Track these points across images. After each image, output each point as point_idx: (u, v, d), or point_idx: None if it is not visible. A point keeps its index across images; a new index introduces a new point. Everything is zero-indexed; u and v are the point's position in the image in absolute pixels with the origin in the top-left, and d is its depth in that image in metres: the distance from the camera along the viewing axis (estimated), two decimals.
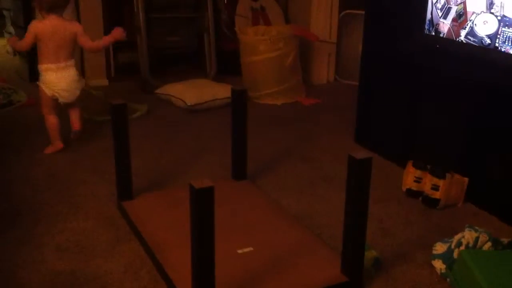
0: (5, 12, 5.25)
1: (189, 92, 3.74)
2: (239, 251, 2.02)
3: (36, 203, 2.47)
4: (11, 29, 5.02)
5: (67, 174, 2.78)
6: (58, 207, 2.44)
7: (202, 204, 1.55)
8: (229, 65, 4.37)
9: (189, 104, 3.67)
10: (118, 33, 2.98)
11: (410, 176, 2.55)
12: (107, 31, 4.11)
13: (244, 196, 2.51)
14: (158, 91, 3.94)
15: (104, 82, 4.30)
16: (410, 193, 2.55)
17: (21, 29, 4.44)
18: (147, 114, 3.66)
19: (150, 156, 3.00)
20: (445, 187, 2.41)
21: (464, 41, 2.48)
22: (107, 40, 3.06)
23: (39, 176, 2.75)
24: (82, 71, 4.25)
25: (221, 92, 3.73)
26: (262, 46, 3.94)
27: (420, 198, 2.51)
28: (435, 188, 2.43)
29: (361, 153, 1.74)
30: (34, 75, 4.22)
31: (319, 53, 4.45)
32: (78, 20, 4.07)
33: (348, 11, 4.41)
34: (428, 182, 2.47)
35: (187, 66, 4.60)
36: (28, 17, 4.18)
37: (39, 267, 1.99)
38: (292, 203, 2.52)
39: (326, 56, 4.49)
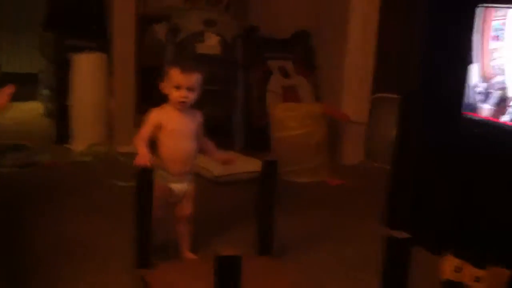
0: (39, 75, 5.35)
1: (217, 163, 3.68)
2: None
3: (53, 267, 2.37)
4: (45, 91, 5.09)
5: (86, 238, 2.69)
6: (75, 273, 2.33)
7: (228, 275, 1.44)
8: (257, 141, 4.33)
9: (216, 175, 3.61)
10: None
11: (449, 266, 2.40)
12: (139, 98, 4.20)
13: (270, 273, 2.38)
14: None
15: (131, 149, 4.26)
16: (449, 284, 2.40)
17: (53, 92, 4.51)
18: None
19: (171, 225, 2.90)
20: (487, 279, 2.26)
21: (504, 126, 2.40)
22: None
23: (57, 239, 2.66)
24: (110, 137, 4.26)
25: (249, 165, 3.66)
26: (291, 123, 3.91)
27: None
28: (477, 279, 2.28)
29: (399, 233, 1.63)
30: (61, 137, 4.28)
31: (349, 134, 4.40)
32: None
33: (380, 94, 4.39)
34: (468, 273, 2.32)
35: (215, 138, 4.56)
36: (62, 79, 4.24)
37: None
38: (317, 284, 2.40)
39: (355, 137, 4.43)
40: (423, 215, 2.86)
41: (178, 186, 2.43)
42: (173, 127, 2.37)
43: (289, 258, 2.61)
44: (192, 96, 2.35)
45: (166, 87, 2.36)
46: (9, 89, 2.33)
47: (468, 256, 2.37)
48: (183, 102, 2.35)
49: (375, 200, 3.41)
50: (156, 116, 2.38)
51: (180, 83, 2.32)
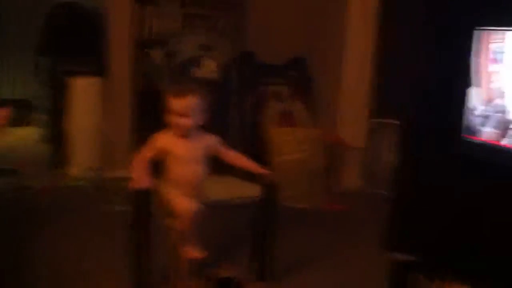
0: (34, 100, 5.32)
1: (216, 188, 3.65)
2: None
3: None
4: (40, 116, 5.06)
5: (75, 267, 2.63)
6: None
7: None
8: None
9: (213, 199, 3.56)
10: None
11: None
12: (135, 123, 4.17)
13: None
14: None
15: (126, 174, 4.21)
16: None
17: (49, 116, 4.48)
18: None
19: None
20: None
21: (504, 149, 2.38)
22: None
23: (45, 263, 2.61)
24: (105, 161, 4.21)
25: (246, 190, 3.63)
26: (287, 147, 3.89)
27: None
28: None
29: (402, 256, 1.61)
30: (57, 161, 4.24)
31: (346, 159, 4.38)
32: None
33: (378, 119, 4.38)
34: None
35: (211, 165, 4.54)
36: (57, 104, 4.21)
37: None
38: None
39: (353, 163, 4.41)
40: (423, 240, 2.82)
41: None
42: (178, 152, 2.32)
43: (286, 283, 2.56)
44: (187, 122, 2.28)
45: (167, 115, 2.31)
46: (4, 112, 2.31)
47: (467, 284, 2.33)
48: (179, 128, 2.29)
49: (373, 226, 3.38)
50: (159, 140, 2.34)
51: (173, 109, 2.28)
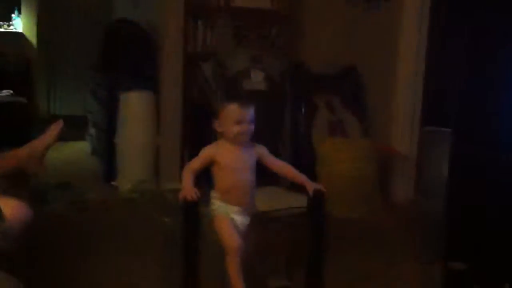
0: (88, 115, 5.45)
1: (261, 199, 3.62)
2: None
3: None
4: (92, 131, 5.17)
5: (134, 279, 2.67)
6: None
7: None
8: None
9: (260, 211, 3.53)
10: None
11: None
12: (186, 136, 4.22)
13: None
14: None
15: (177, 186, 4.25)
16: None
17: (101, 131, 4.57)
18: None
19: (216, 259, 2.84)
20: None
21: None
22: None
23: (104, 279, 2.64)
24: (156, 174, 4.26)
25: (295, 201, 3.59)
26: (339, 156, 3.84)
27: None
28: None
29: (458, 265, 1.54)
30: (108, 175, 4.32)
31: (399, 169, 4.29)
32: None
33: (430, 127, 4.27)
34: None
35: (260, 175, 4.52)
36: (110, 118, 4.30)
37: None
38: None
39: (406, 173, 4.31)
40: (477, 251, 2.72)
41: (240, 219, 2.38)
42: (227, 162, 2.34)
43: None
44: (253, 128, 2.36)
45: (222, 125, 2.35)
46: (57, 126, 2.36)
47: None
48: (246, 135, 2.35)
49: (426, 238, 3.29)
50: (210, 151, 2.37)
51: (240, 118, 2.32)
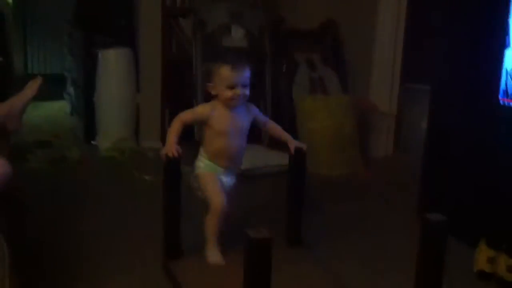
0: (66, 73, 5.37)
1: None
2: None
3: (79, 259, 2.36)
4: (71, 90, 5.11)
5: (114, 231, 2.68)
6: (102, 265, 2.32)
7: (259, 256, 1.39)
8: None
9: (242, 168, 3.55)
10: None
11: (482, 256, 2.32)
12: (166, 94, 4.19)
13: (299, 264, 2.34)
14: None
15: (158, 144, 4.25)
16: (483, 275, 2.32)
17: (80, 89, 4.52)
18: None
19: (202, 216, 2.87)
20: None
21: None
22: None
23: (86, 232, 2.66)
24: (136, 132, 4.25)
25: (276, 158, 3.62)
26: (320, 114, 3.85)
27: (494, 281, 2.27)
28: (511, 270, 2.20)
29: (435, 216, 1.58)
30: (88, 134, 4.30)
31: (378, 125, 4.32)
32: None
33: (409, 84, 4.30)
34: (503, 263, 2.24)
35: None
36: (89, 76, 4.25)
37: None
38: (350, 275, 2.34)
39: (385, 129, 4.35)
40: (457, 206, 2.78)
41: (226, 179, 2.34)
42: (221, 127, 2.26)
43: (319, 248, 2.57)
44: (246, 92, 2.24)
45: (216, 87, 2.25)
46: (37, 81, 2.33)
47: (503, 246, 2.29)
48: (239, 99, 2.24)
49: (406, 191, 3.35)
50: (204, 111, 2.29)
51: (233, 83, 2.21)
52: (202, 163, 2.33)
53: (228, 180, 2.35)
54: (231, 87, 2.21)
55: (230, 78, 2.20)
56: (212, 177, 2.30)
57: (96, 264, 2.33)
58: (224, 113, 2.26)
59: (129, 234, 2.66)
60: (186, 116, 2.30)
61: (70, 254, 2.42)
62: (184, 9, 4.30)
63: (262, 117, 2.44)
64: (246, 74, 2.23)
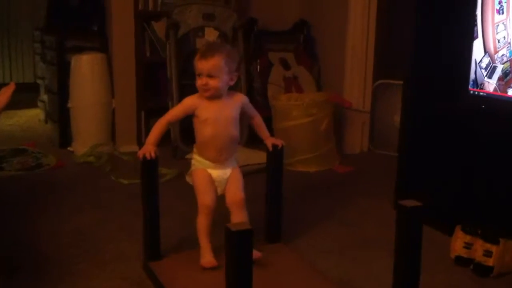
0: (39, 81, 5.33)
1: None
2: None
3: (60, 260, 2.35)
4: (45, 97, 5.07)
5: (94, 232, 2.67)
6: (82, 265, 2.31)
7: (239, 248, 1.41)
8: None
9: None
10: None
11: (459, 242, 2.37)
12: (141, 97, 4.18)
13: (279, 259, 2.36)
14: (189, 156, 3.85)
15: (135, 148, 4.23)
16: (460, 260, 2.36)
17: (54, 95, 4.49)
18: (177, 178, 3.56)
19: (181, 217, 2.87)
20: (499, 253, 2.22)
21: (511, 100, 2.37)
22: None
23: (65, 233, 2.65)
24: (112, 136, 4.23)
25: (254, 157, 3.63)
26: (295, 112, 3.88)
27: (471, 266, 2.31)
28: (488, 254, 2.24)
29: (411, 202, 1.62)
30: (63, 140, 4.28)
31: (352, 122, 4.37)
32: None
33: (382, 80, 4.36)
34: (479, 248, 2.29)
35: None
36: (62, 82, 4.22)
37: None
38: (330, 267, 2.36)
39: (359, 125, 4.40)
40: (433, 196, 2.83)
41: (218, 173, 2.29)
42: (207, 116, 2.21)
43: (297, 243, 2.60)
44: (214, 83, 2.15)
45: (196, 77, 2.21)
46: (10, 87, 2.31)
47: (478, 231, 2.34)
48: (206, 90, 2.18)
49: (381, 184, 3.41)
50: (191, 102, 2.24)
51: (199, 70, 2.16)
52: (194, 160, 2.31)
53: (220, 174, 2.30)
54: (198, 75, 2.18)
55: (197, 65, 2.17)
56: (202, 174, 2.28)
57: (75, 265, 2.32)
58: (209, 103, 2.21)
59: (109, 235, 2.65)
60: (174, 112, 2.28)
61: (48, 254, 2.41)
62: (156, 12, 4.30)
63: (252, 110, 2.40)
64: (214, 62, 2.14)
